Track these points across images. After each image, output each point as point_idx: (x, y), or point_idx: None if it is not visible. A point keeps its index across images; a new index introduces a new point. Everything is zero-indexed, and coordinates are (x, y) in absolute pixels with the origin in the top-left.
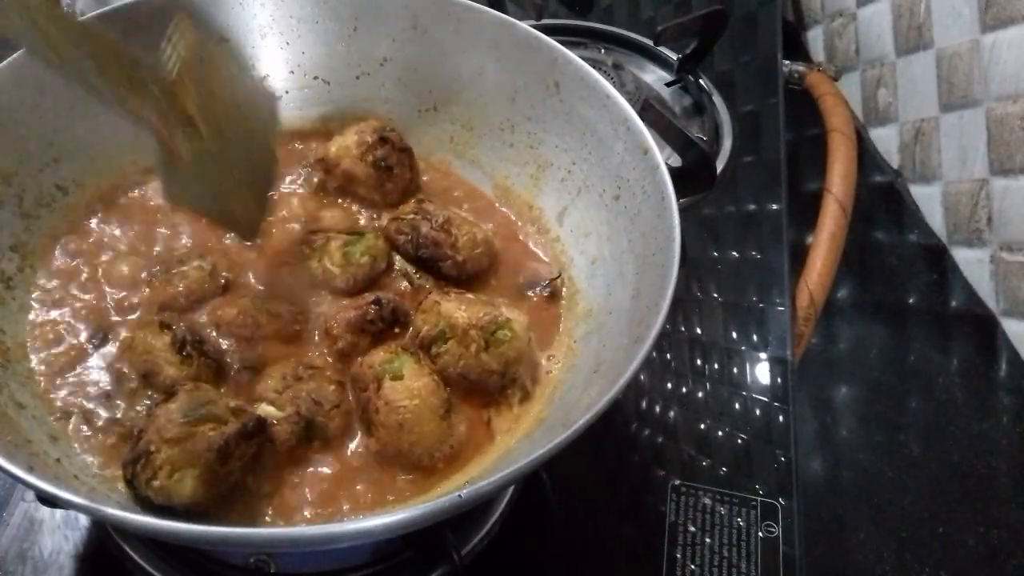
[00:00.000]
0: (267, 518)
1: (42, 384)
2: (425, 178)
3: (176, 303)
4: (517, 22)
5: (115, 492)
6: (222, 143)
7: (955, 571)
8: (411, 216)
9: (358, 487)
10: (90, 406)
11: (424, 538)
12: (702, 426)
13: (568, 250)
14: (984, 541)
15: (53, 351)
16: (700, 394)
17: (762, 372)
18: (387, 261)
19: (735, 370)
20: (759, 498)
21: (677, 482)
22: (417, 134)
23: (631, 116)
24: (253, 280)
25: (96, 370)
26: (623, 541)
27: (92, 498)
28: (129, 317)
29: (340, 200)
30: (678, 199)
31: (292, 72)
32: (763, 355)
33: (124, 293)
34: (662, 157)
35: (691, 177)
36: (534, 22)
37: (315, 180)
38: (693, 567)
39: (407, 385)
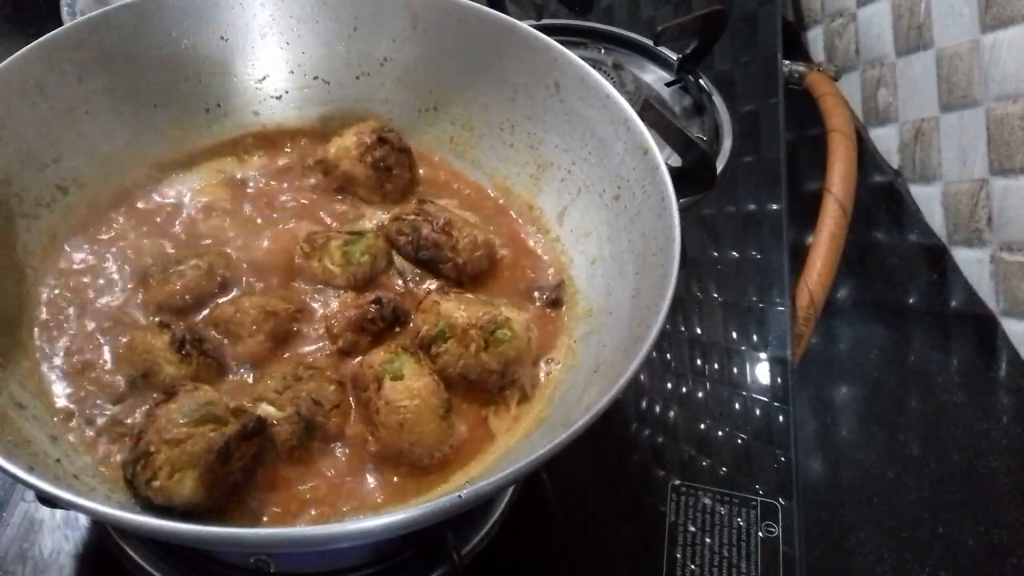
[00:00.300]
0: (266, 518)
1: (42, 384)
2: (423, 174)
3: (174, 302)
4: (517, 22)
5: (115, 492)
6: None
7: (955, 571)
8: (412, 217)
9: (357, 487)
10: (90, 406)
11: (424, 538)
12: (702, 426)
13: (568, 250)
14: (984, 541)
15: (54, 351)
16: (700, 394)
17: (762, 372)
18: (387, 260)
19: (735, 370)
20: (759, 498)
21: (677, 482)
22: (417, 134)
23: (631, 116)
24: (252, 279)
25: (97, 370)
26: (623, 541)
27: (92, 498)
28: (129, 317)
29: (340, 200)
30: (678, 199)
31: (292, 72)
32: (763, 355)
33: (124, 293)
34: (662, 157)
35: (691, 177)
36: (534, 22)
37: (314, 181)
38: (693, 567)
39: (407, 385)
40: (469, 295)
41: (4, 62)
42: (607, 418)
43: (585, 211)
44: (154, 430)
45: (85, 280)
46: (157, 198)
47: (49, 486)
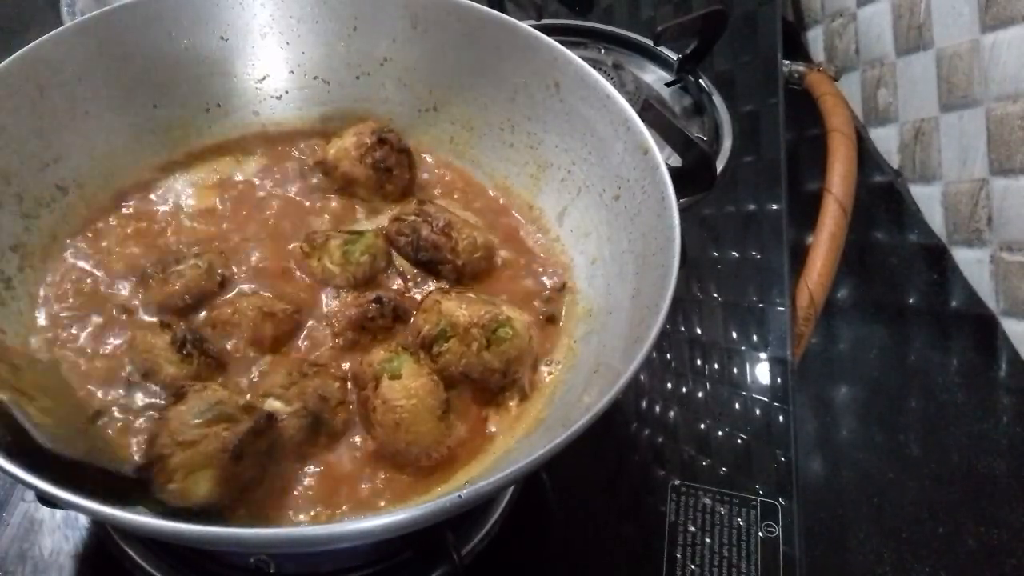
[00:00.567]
0: (272, 516)
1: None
2: (426, 176)
3: (173, 302)
4: (517, 22)
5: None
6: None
7: (955, 571)
8: (412, 218)
9: (359, 485)
10: (97, 404)
11: (424, 538)
12: (702, 426)
13: (568, 250)
14: (984, 541)
15: (57, 349)
16: (700, 394)
17: (762, 372)
18: (387, 260)
19: (735, 370)
20: (759, 498)
21: (677, 482)
22: (417, 134)
23: (631, 116)
24: (251, 278)
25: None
26: (623, 541)
27: (92, 498)
28: (129, 317)
29: (339, 201)
30: (678, 199)
31: (292, 72)
32: (763, 355)
33: (124, 294)
34: (662, 157)
35: (691, 177)
36: (534, 22)
37: (315, 181)
38: (693, 567)
39: (404, 384)
40: (470, 294)
41: (4, 62)
42: (607, 418)
43: (585, 211)
44: (167, 433)
45: (85, 281)
46: (155, 198)
47: (49, 486)
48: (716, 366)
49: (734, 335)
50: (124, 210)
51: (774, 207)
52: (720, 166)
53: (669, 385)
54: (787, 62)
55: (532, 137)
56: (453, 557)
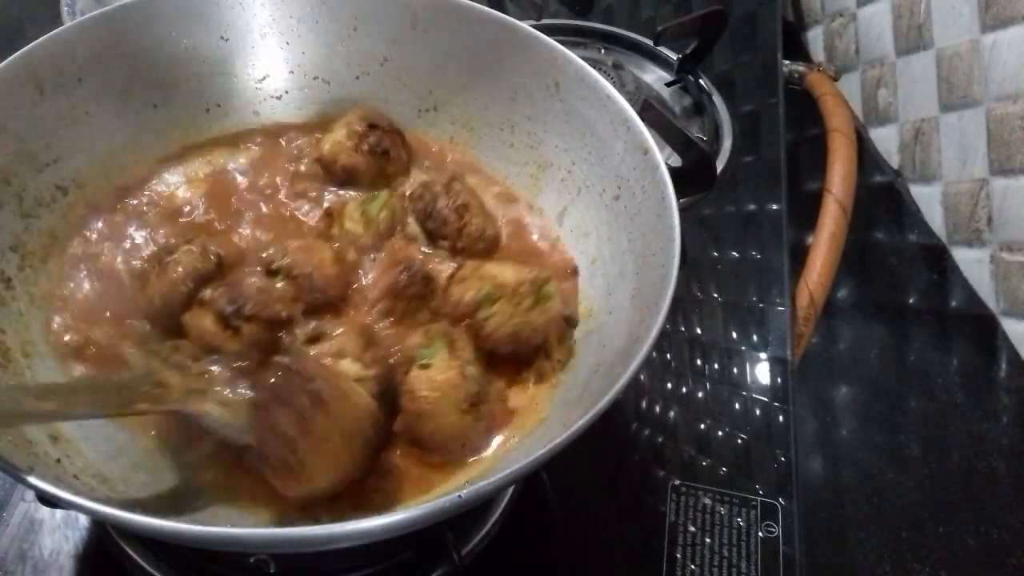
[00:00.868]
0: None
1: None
2: (450, 157)
3: (177, 291)
4: (517, 22)
5: (115, 492)
6: None
7: (955, 571)
8: (437, 188)
9: (385, 468)
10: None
11: (424, 538)
12: (702, 426)
13: (568, 250)
14: (984, 541)
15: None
16: (700, 394)
17: (762, 372)
18: (403, 222)
19: (735, 370)
20: (759, 498)
21: (677, 482)
22: (417, 134)
23: (631, 116)
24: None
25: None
26: (623, 541)
27: (92, 498)
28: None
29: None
30: (678, 199)
31: (292, 72)
32: (763, 355)
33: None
34: (662, 157)
35: (691, 177)
36: (534, 22)
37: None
38: (693, 567)
39: (430, 376)
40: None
41: (4, 62)
42: (607, 418)
43: (585, 211)
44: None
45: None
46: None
47: (49, 486)
48: (716, 366)
49: (734, 335)
50: (121, 208)
51: (774, 207)
52: (720, 166)
53: (669, 385)
54: (787, 62)
55: (532, 137)
56: (453, 557)
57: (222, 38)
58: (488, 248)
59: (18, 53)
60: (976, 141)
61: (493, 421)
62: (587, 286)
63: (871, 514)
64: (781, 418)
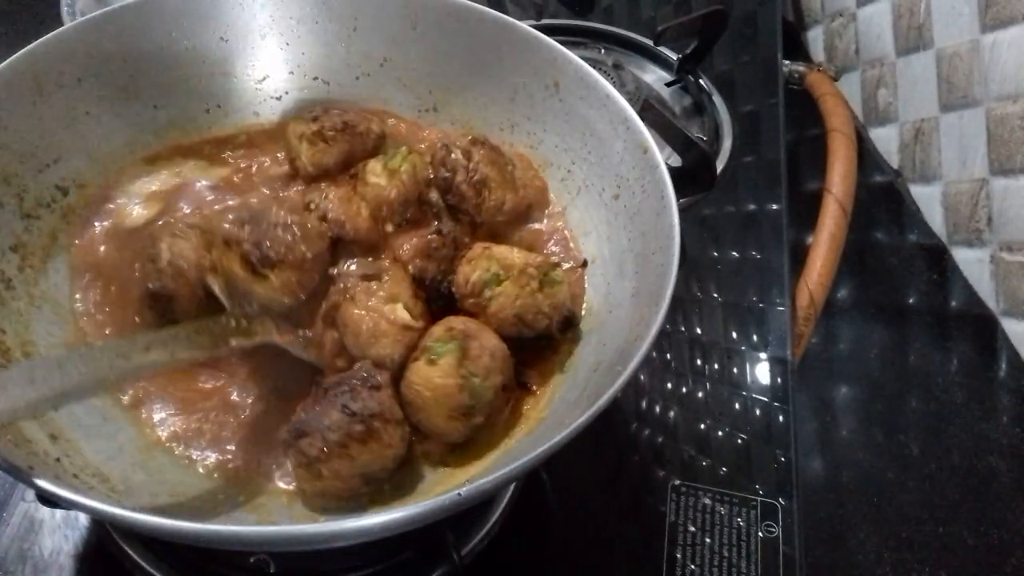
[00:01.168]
0: None
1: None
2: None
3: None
4: (517, 22)
5: (115, 491)
6: None
7: (955, 571)
8: (457, 156)
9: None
10: None
11: (424, 538)
12: (702, 426)
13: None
14: (984, 541)
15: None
16: (700, 394)
17: (762, 372)
18: (426, 176)
19: (735, 370)
20: (759, 498)
21: (677, 482)
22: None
23: (631, 116)
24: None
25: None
26: (623, 541)
27: (92, 497)
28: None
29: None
30: (678, 199)
31: (292, 73)
32: (763, 355)
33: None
34: (662, 157)
35: (691, 177)
36: (534, 22)
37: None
38: (693, 567)
39: (429, 376)
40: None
41: (4, 63)
42: (607, 417)
43: (585, 210)
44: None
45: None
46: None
47: (49, 485)
48: (716, 366)
49: (734, 335)
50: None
51: (774, 207)
52: (720, 166)
53: (669, 385)
54: (787, 62)
55: (532, 137)
56: (453, 557)
57: (222, 39)
58: (511, 220)
59: (18, 53)
60: (976, 141)
61: (490, 426)
62: (587, 285)
63: (871, 514)
64: (781, 418)
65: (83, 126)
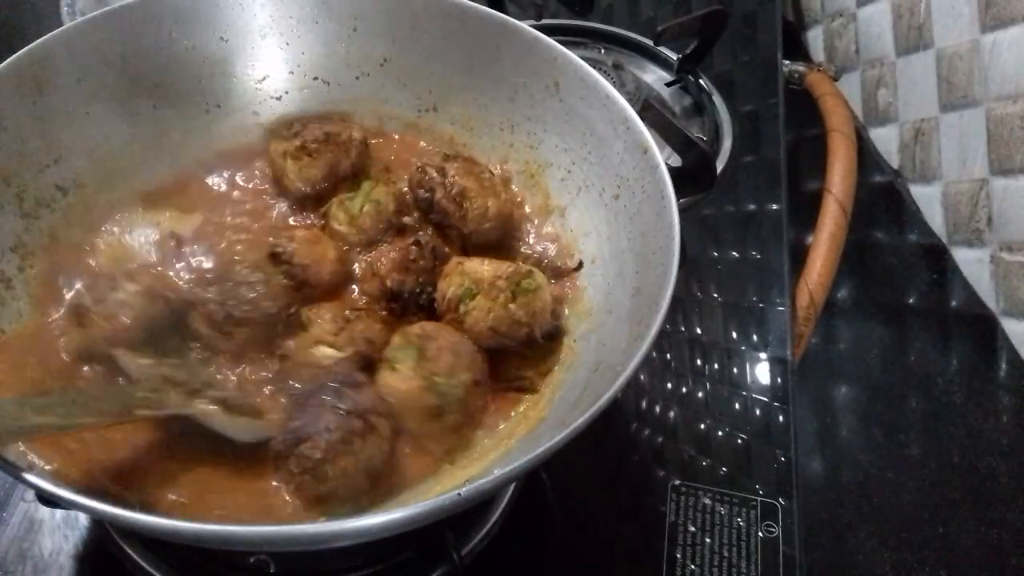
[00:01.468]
0: None
1: None
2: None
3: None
4: (517, 22)
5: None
6: None
7: (954, 570)
8: (432, 175)
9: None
10: None
11: (424, 538)
12: (702, 426)
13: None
14: (984, 541)
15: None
16: (700, 394)
17: (762, 372)
18: (397, 205)
19: (735, 370)
20: (759, 498)
21: (677, 482)
22: (417, 134)
23: (631, 116)
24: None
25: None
26: (623, 541)
27: (92, 497)
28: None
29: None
30: (678, 199)
31: (292, 72)
32: (763, 355)
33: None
34: (662, 157)
35: (691, 177)
36: (534, 22)
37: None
38: (693, 567)
39: (390, 383)
40: (488, 259)
41: (4, 62)
42: (607, 418)
43: (585, 210)
44: None
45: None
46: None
47: (49, 485)
48: (716, 366)
49: (734, 335)
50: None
51: (774, 207)
52: (720, 166)
53: (669, 385)
54: (787, 62)
55: (532, 137)
56: (453, 557)
57: (222, 39)
58: (500, 227)
59: (18, 53)
60: (976, 141)
61: (469, 424)
62: (587, 285)
63: (871, 514)
64: (781, 418)
65: (83, 126)
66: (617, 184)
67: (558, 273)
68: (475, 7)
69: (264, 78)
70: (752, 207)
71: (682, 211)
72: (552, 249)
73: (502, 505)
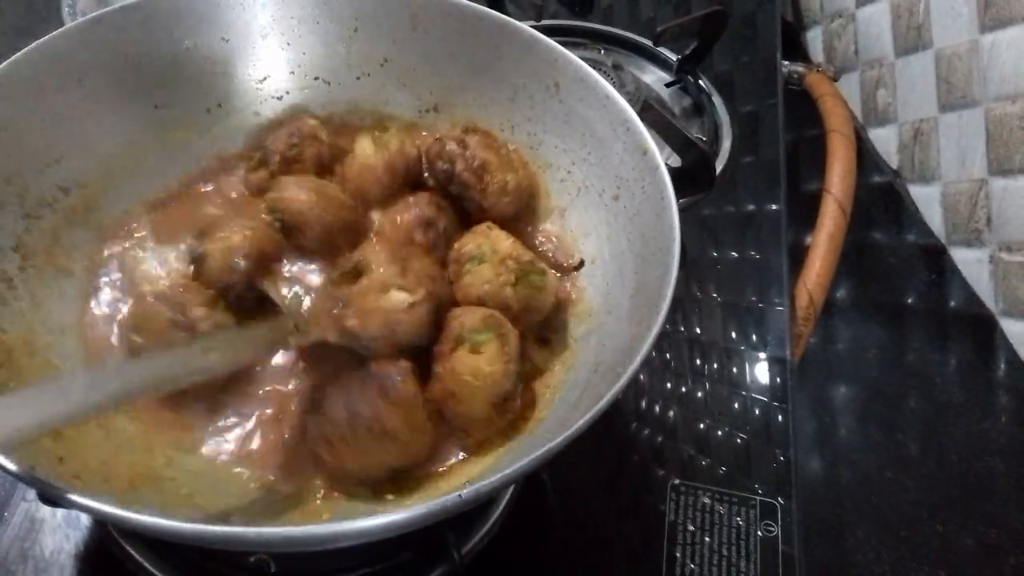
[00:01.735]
0: None
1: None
2: None
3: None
4: (517, 23)
5: (116, 491)
6: None
7: (954, 570)
8: (452, 147)
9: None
10: None
11: (425, 538)
12: (701, 426)
13: (569, 247)
14: (983, 541)
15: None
16: (699, 394)
17: (761, 372)
18: (419, 156)
19: (734, 370)
20: (758, 497)
21: (677, 481)
22: (417, 134)
23: (631, 116)
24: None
25: None
26: (623, 540)
27: (93, 497)
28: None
29: None
30: (677, 199)
31: (292, 73)
32: (762, 355)
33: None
34: (661, 158)
35: (690, 177)
36: (534, 23)
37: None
38: (692, 566)
39: (478, 364)
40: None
41: (5, 63)
42: (607, 417)
43: (584, 211)
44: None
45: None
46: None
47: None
48: (715, 366)
49: (733, 335)
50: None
51: (773, 207)
52: (719, 167)
53: (669, 385)
54: (786, 63)
55: (532, 137)
56: (453, 557)
57: (223, 39)
58: (518, 201)
59: (19, 54)
60: (975, 141)
61: (514, 419)
62: (587, 286)
63: (870, 513)
64: (780, 418)
65: (84, 126)
66: (617, 185)
67: (559, 272)
68: (475, 7)
69: (265, 78)
70: (751, 207)
71: (681, 211)
72: (552, 249)
73: (502, 505)
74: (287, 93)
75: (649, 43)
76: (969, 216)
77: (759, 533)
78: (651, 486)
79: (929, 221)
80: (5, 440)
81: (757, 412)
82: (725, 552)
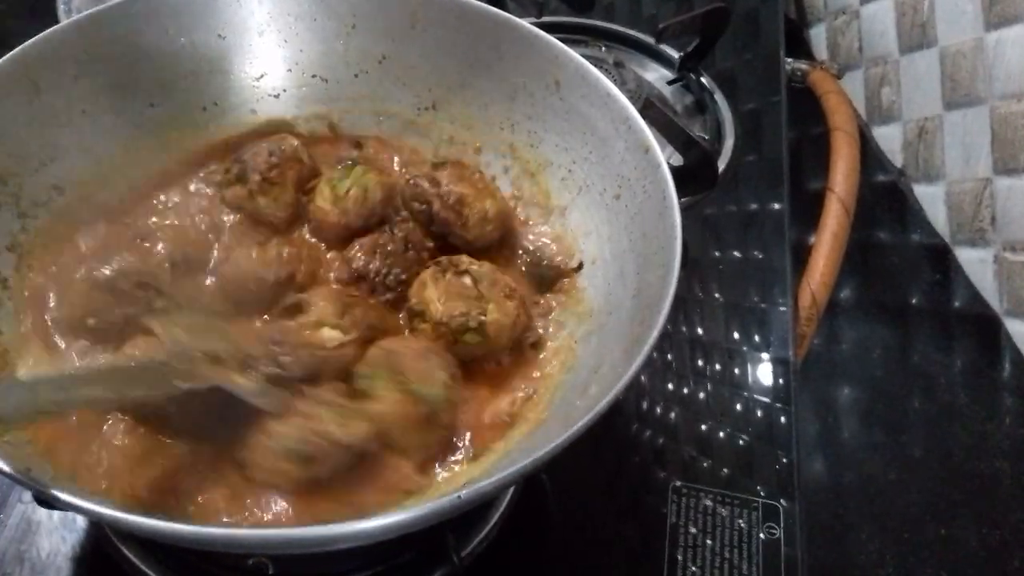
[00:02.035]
0: None
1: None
2: None
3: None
4: (518, 20)
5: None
6: None
7: (957, 572)
8: (425, 186)
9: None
10: None
11: (424, 539)
12: (703, 427)
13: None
14: (986, 542)
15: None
16: (701, 395)
17: (764, 373)
18: (386, 196)
19: (737, 371)
20: (760, 499)
21: (678, 483)
22: (416, 133)
23: (632, 114)
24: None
25: None
26: (623, 542)
27: (90, 499)
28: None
29: None
30: (679, 198)
31: (290, 70)
32: (765, 356)
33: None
34: (663, 156)
35: (693, 176)
36: (534, 20)
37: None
38: (694, 568)
39: (376, 409)
40: (466, 277)
41: (0, 60)
42: (607, 419)
43: (585, 210)
44: None
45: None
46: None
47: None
48: (717, 367)
49: (736, 335)
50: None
51: (776, 206)
52: (722, 165)
53: (670, 386)
54: (789, 60)
55: (532, 136)
56: (453, 558)
57: (219, 36)
58: (500, 227)
59: (14, 52)
60: (980, 140)
61: (459, 425)
62: (587, 286)
63: (873, 515)
64: (783, 419)
65: (79, 125)
66: (618, 184)
67: (558, 273)
68: (475, 4)
69: (262, 76)
70: (754, 206)
71: (683, 210)
72: (552, 249)
73: (502, 506)
74: (284, 91)
75: (651, 40)
76: (974, 215)
77: (761, 535)
78: (652, 488)
79: (933, 220)
80: None
81: (759, 413)
82: (727, 554)
